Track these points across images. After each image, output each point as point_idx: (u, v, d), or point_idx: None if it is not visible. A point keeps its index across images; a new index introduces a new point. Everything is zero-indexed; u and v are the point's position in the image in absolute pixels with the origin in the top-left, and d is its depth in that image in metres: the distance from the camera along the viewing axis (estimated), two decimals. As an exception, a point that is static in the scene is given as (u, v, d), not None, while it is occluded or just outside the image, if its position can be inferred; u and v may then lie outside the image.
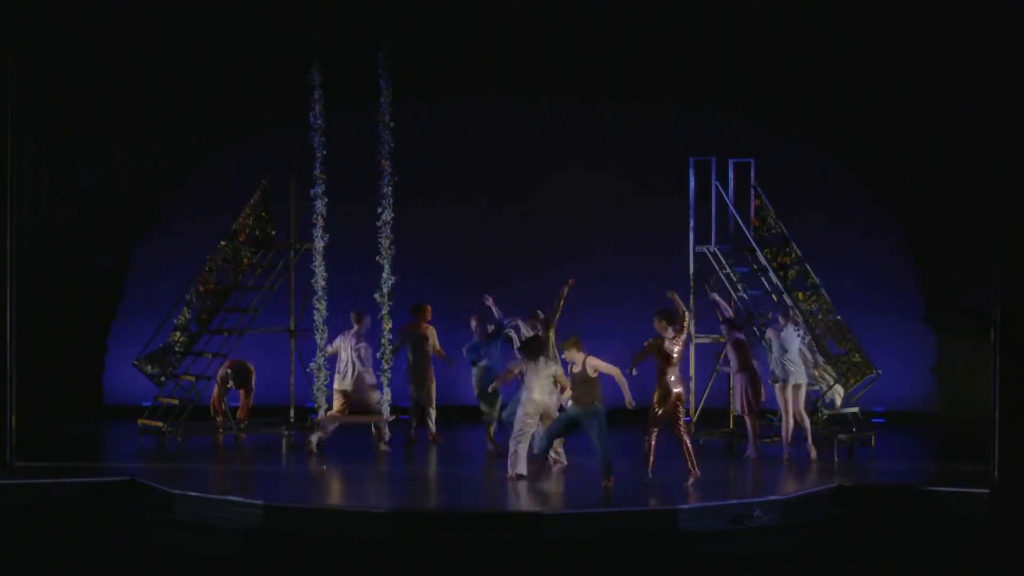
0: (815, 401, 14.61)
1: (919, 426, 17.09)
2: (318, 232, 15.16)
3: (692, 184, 15.39)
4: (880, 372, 14.71)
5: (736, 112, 17.54)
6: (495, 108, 18.14)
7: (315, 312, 15.17)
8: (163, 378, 15.61)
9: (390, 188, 15.20)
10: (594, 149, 18.11)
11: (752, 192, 15.28)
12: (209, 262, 15.73)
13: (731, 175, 15.38)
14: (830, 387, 14.66)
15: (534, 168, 18.16)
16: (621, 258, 17.88)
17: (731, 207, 15.20)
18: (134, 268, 18.50)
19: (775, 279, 14.91)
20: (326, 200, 15.25)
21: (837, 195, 17.69)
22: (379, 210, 15.18)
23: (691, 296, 15.37)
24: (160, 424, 15.33)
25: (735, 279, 15.07)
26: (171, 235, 18.19)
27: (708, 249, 15.22)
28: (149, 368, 15.63)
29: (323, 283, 15.19)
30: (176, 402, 15.50)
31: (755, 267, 15.20)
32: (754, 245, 15.05)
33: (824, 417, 14.51)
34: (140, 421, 15.68)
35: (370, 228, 18.14)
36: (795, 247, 14.97)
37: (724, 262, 15.09)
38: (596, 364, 12.89)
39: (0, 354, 13.42)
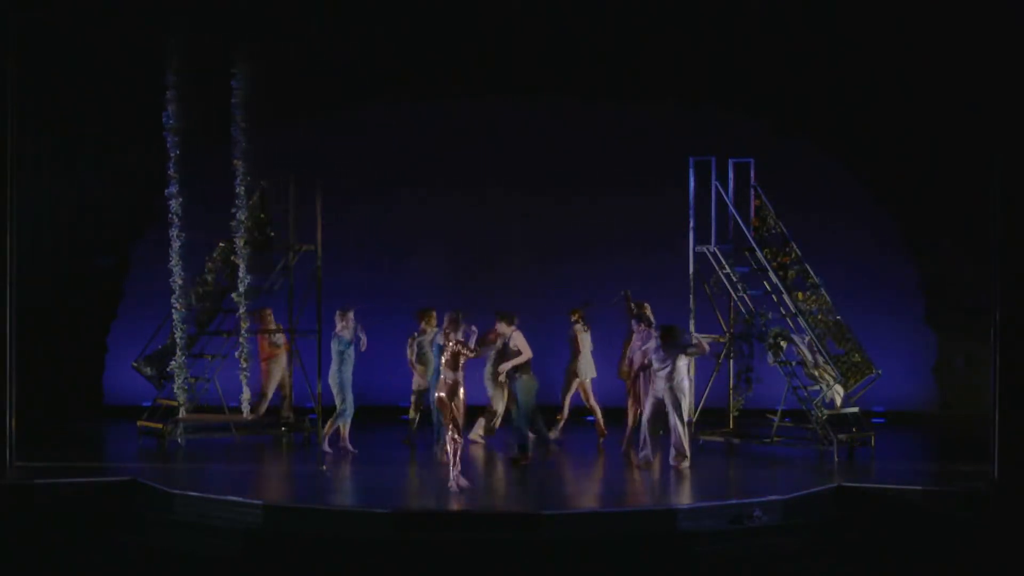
0: (815, 401, 14.60)
1: (919, 426, 17.09)
2: (175, 232, 15.26)
3: (692, 184, 15.38)
4: (880, 372, 14.71)
5: (736, 112, 17.55)
6: (495, 108, 18.15)
7: (174, 311, 15.23)
8: (162, 380, 15.60)
9: (243, 188, 15.30)
10: (594, 149, 18.12)
11: (752, 192, 15.27)
12: (208, 263, 15.71)
13: (731, 175, 15.37)
14: (830, 387, 14.66)
15: (534, 168, 18.18)
16: (621, 258, 17.88)
17: (731, 207, 15.19)
18: (134, 268, 18.49)
19: (775, 279, 14.90)
20: (181, 200, 15.35)
21: (837, 195, 17.69)
22: (233, 210, 15.27)
23: (691, 296, 15.36)
24: (159, 425, 15.33)
25: (735, 279, 15.06)
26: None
27: (708, 249, 15.21)
28: (148, 370, 15.62)
29: (180, 281, 15.25)
30: (176, 403, 15.50)
31: (755, 267, 15.19)
32: (754, 245, 15.04)
33: (824, 417, 14.51)
34: (140, 423, 15.68)
35: (369, 228, 18.27)
36: (795, 247, 14.96)
37: (724, 262, 15.09)
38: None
39: (0, 354, 13.41)
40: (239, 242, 15.27)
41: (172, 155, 15.37)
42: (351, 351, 14.81)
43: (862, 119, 17.33)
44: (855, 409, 14.83)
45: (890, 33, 16.63)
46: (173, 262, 15.25)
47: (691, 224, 15.40)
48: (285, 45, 17.64)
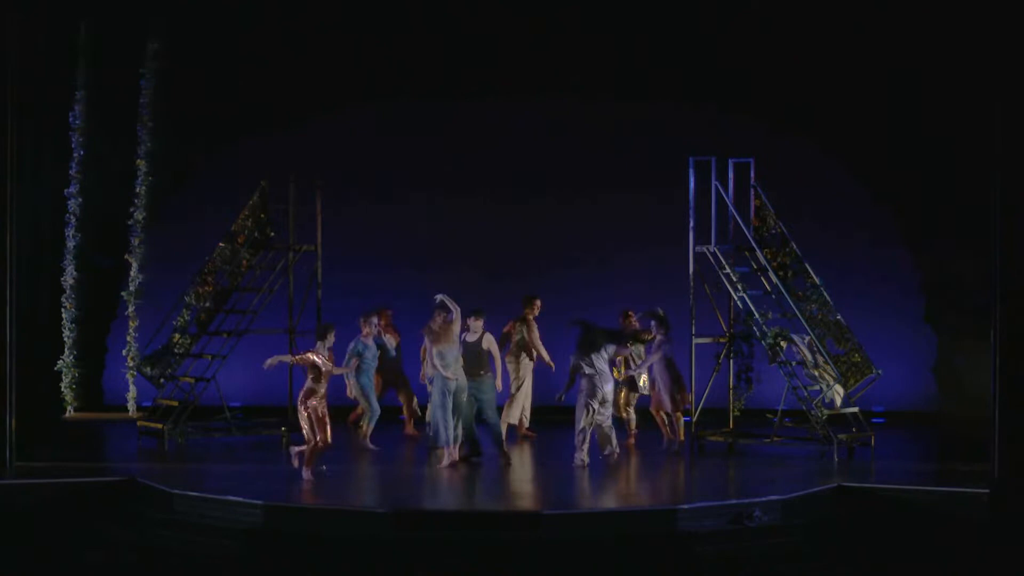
0: (815, 401, 14.60)
1: (919, 426, 17.09)
2: (70, 231, 15.30)
3: (692, 184, 15.37)
4: (880, 372, 14.70)
5: (736, 112, 17.54)
6: (495, 108, 18.14)
7: (63, 311, 15.29)
8: (162, 380, 15.60)
9: (144, 188, 15.34)
10: (594, 149, 18.12)
11: (752, 192, 15.26)
12: (208, 263, 15.71)
13: (731, 175, 15.36)
14: (830, 387, 14.65)
15: (534, 168, 18.18)
16: (621, 258, 17.88)
17: (731, 207, 15.18)
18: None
19: (775, 279, 14.89)
20: (80, 200, 15.40)
21: (837, 195, 17.69)
22: (131, 209, 15.31)
23: (691, 296, 15.34)
24: (160, 426, 15.33)
25: (735, 279, 15.05)
26: (171, 235, 18.17)
27: (708, 249, 15.20)
28: (148, 370, 15.62)
29: (72, 280, 15.29)
30: (176, 404, 15.50)
31: (755, 267, 15.19)
32: (754, 245, 15.03)
33: (824, 417, 14.51)
34: (139, 423, 15.68)
35: (369, 228, 18.28)
36: (795, 247, 14.95)
37: (724, 262, 15.08)
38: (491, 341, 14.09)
39: (0, 354, 13.40)
40: (135, 241, 15.33)
41: (76, 155, 15.43)
42: (371, 356, 14.90)
43: (862, 119, 17.33)
44: (855, 409, 14.83)
45: (890, 33, 16.65)
46: (67, 261, 15.30)
47: (691, 224, 15.38)
48: (285, 45, 17.69)
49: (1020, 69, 12.30)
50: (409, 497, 12.88)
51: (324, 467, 13.88)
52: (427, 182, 18.22)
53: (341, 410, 16.17)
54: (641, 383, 15.24)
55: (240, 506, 11.85)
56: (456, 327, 13.75)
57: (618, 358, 15.01)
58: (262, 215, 15.87)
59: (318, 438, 13.01)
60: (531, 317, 15.73)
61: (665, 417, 15.01)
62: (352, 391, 15.02)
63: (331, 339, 13.28)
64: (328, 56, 17.79)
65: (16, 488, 12.82)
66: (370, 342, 14.94)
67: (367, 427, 15.10)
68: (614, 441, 13.93)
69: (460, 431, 13.86)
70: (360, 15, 17.55)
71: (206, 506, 12.02)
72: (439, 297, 13.82)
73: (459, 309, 13.74)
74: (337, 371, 13.40)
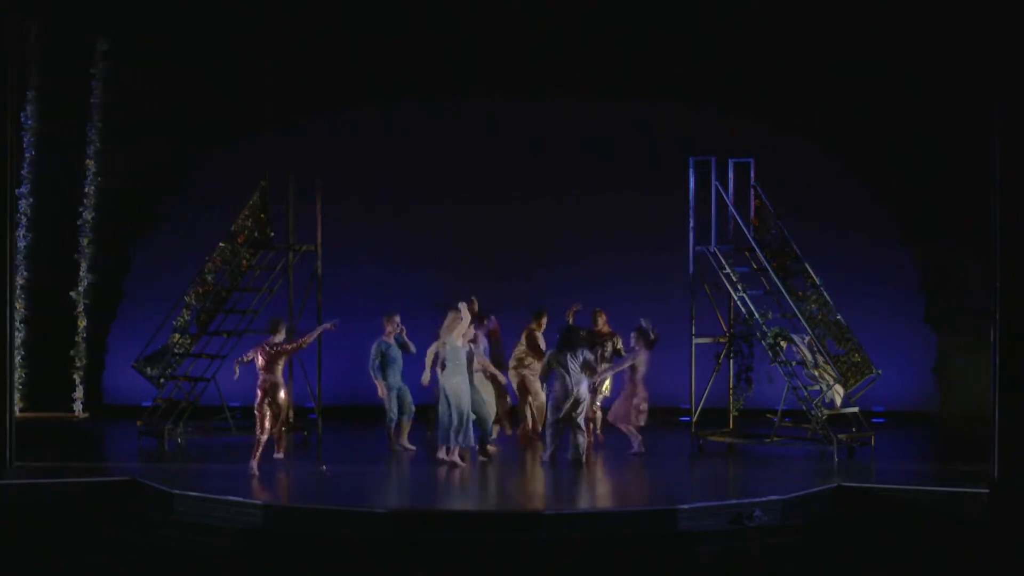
0: (815, 401, 14.60)
1: (919, 426, 17.10)
2: (21, 231, 15.40)
3: (692, 184, 15.37)
4: (880, 372, 14.70)
5: (736, 112, 17.55)
6: (495, 108, 18.15)
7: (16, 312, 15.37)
8: (162, 380, 15.59)
9: (92, 188, 15.39)
10: (594, 149, 18.13)
11: (752, 192, 15.26)
12: (208, 263, 15.71)
13: (731, 175, 15.37)
14: (830, 387, 14.65)
15: (534, 168, 18.19)
16: (621, 258, 17.89)
17: (731, 207, 15.18)
18: (134, 268, 18.49)
19: (775, 279, 14.89)
20: (32, 200, 15.46)
21: (837, 195, 17.70)
22: (80, 209, 15.36)
23: (691, 296, 15.34)
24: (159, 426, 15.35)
25: (735, 279, 15.06)
26: (171, 235, 18.19)
27: (708, 249, 15.21)
28: (148, 370, 15.61)
29: (22, 281, 15.36)
30: (165, 402, 15.52)
31: (755, 267, 15.19)
32: (754, 245, 15.03)
33: (824, 417, 14.51)
34: (140, 423, 15.67)
35: (369, 228, 18.29)
36: (795, 247, 14.95)
37: (724, 262, 15.08)
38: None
39: (0, 354, 13.40)
40: (84, 241, 15.40)
41: (27, 156, 15.51)
42: (396, 355, 14.91)
43: (862, 119, 17.34)
44: (855, 409, 14.83)
45: (890, 33, 16.66)
46: (19, 261, 15.37)
47: (691, 224, 15.38)
48: (285, 45, 17.70)
49: (1019, 68, 12.30)
50: (409, 497, 12.89)
51: (324, 467, 13.90)
52: (427, 181, 18.23)
53: (360, 409, 16.27)
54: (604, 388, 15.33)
55: (240, 506, 11.85)
56: (457, 329, 13.75)
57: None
58: (262, 215, 15.87)
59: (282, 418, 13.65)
60: (538, 332, 15.69)
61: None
62: (381, 392, 15.00)
63: (282, 333, 13.60)
64: (328, 56, 17.80)
65: (16, 488, 12.82)
66: (392, 341, 14.95)
67: (405, 430, 15.11)
68: (582, 446, 13.92)
69: (458, 430, 13.83)
70: (360, 15, 17.55)
71: (206, 506, 12.02)
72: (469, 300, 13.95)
73: (468, 318, 13.76)
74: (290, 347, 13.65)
